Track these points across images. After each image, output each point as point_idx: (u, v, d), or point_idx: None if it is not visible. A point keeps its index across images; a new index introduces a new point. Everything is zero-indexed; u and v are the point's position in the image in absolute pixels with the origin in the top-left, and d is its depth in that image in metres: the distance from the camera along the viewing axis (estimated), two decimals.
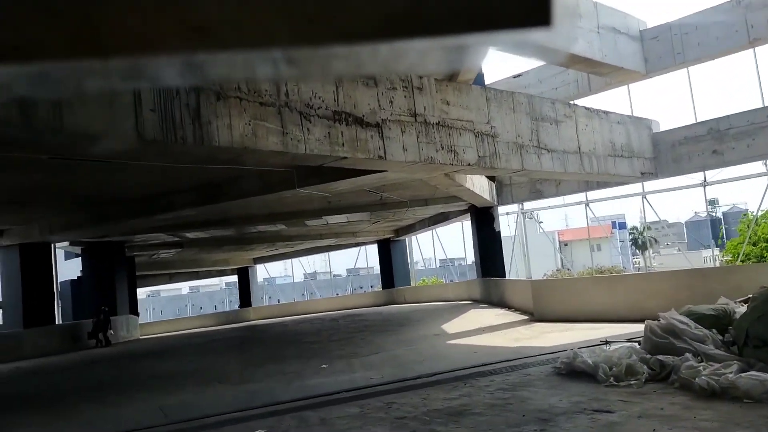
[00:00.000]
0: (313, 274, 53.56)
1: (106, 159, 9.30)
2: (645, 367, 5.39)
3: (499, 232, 20.31)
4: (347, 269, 62.31)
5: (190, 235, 20.87)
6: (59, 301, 25.90)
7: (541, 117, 13.21)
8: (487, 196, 18.27)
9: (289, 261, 40.01)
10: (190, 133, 7.48)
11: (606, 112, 15.36)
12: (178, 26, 0.48)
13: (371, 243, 31.18)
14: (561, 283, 13.62)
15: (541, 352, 7.72)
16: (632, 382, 5.19)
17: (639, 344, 6.35)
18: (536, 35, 0.50)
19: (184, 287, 69.33)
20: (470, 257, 48.99)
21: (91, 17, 0.47)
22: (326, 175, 11.85)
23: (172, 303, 67.53)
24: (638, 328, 9.35)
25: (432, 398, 5.46)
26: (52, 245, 17.96)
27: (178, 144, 7.39)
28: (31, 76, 0.49)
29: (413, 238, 30.90)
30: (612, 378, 5.35)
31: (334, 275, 51.82)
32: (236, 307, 38.77)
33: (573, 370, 5.87)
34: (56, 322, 17.98)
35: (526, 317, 12.80)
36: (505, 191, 20.44)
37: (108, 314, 17.76)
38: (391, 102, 10.09)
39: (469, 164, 11.26)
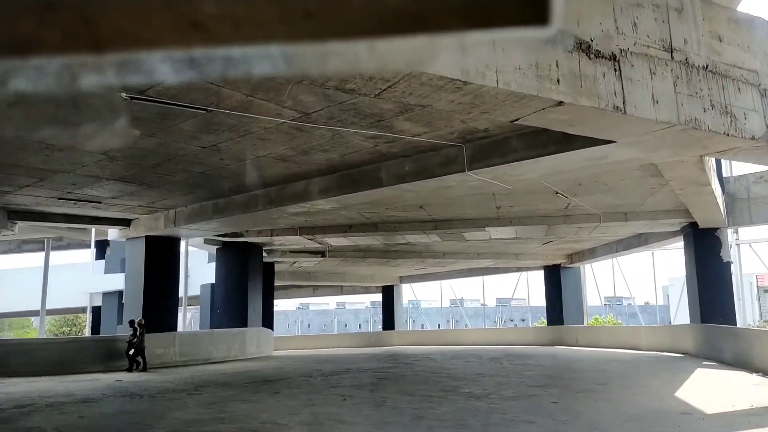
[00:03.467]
0: (461, 301, 49.51)
1: (188, 105, 6.51)
2: None
3: (728, 263, 14.93)
4: (497, 299, 57.43)
5: (331, 241, 18.24)
6: (190, 306, 24.86)
7: None
8: (721, 210, 13.19)
9: (436, 283, 36.49)
10: None
11: None
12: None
13: (535, 269, 26.54)
14: None
15: None
16: None
17: None
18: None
19: (331, 302, 69.27)
20: (645, 297, 41.64)
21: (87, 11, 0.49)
22: (513, 152, 8.08)
23: (319, 317, 67.90)
24: None
25: None
26: (182, 241, 16.20)
27: None
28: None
29: (588, 266, 25.72)
30: None
31: (482, 304, 47.30)
32: (379, 327, 36.21)
33: None
34: (178, 329, 15.99)
35: None
36: (738, 208, 15.02)
37: (144, 331, 13.45)
38: (635, 25, 6.35)
39: (753, 137, 7.02)
